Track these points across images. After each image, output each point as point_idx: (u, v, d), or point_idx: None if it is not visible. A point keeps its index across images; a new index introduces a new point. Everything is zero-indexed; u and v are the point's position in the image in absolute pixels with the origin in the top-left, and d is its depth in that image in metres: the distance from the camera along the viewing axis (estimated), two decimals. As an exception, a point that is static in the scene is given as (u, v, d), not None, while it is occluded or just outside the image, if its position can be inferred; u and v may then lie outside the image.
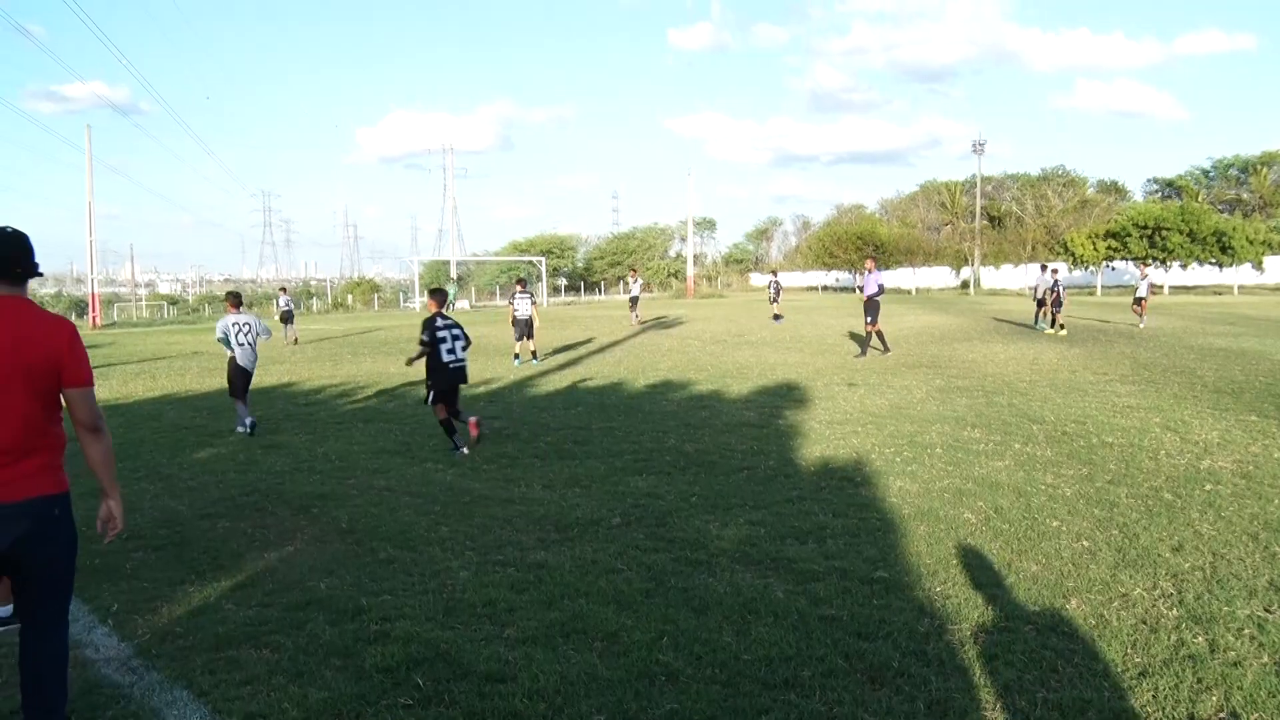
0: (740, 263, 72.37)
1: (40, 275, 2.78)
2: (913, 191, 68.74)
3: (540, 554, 4.55)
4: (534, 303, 14.61)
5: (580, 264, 67.42)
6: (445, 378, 7.29)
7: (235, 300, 8.80)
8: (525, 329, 14.23)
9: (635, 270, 27.83)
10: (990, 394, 9.82)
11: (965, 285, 52.37)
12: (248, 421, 8.30)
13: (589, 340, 19.56)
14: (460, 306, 45.17)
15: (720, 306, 36.41)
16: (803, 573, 4.16)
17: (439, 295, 7.63)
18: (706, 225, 74.36)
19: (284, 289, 25.82)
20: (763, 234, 77.88)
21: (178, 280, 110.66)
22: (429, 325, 7.34)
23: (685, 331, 21.61)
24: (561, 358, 15.53)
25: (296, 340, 21.16)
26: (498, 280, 59.19)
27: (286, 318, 21.94)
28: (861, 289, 14.58)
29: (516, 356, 14.58)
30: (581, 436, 7.82)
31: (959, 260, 55.57)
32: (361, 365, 14.93)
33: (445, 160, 66.48)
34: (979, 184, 56.18)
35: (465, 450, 7.16)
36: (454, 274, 52.99)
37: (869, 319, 14.45)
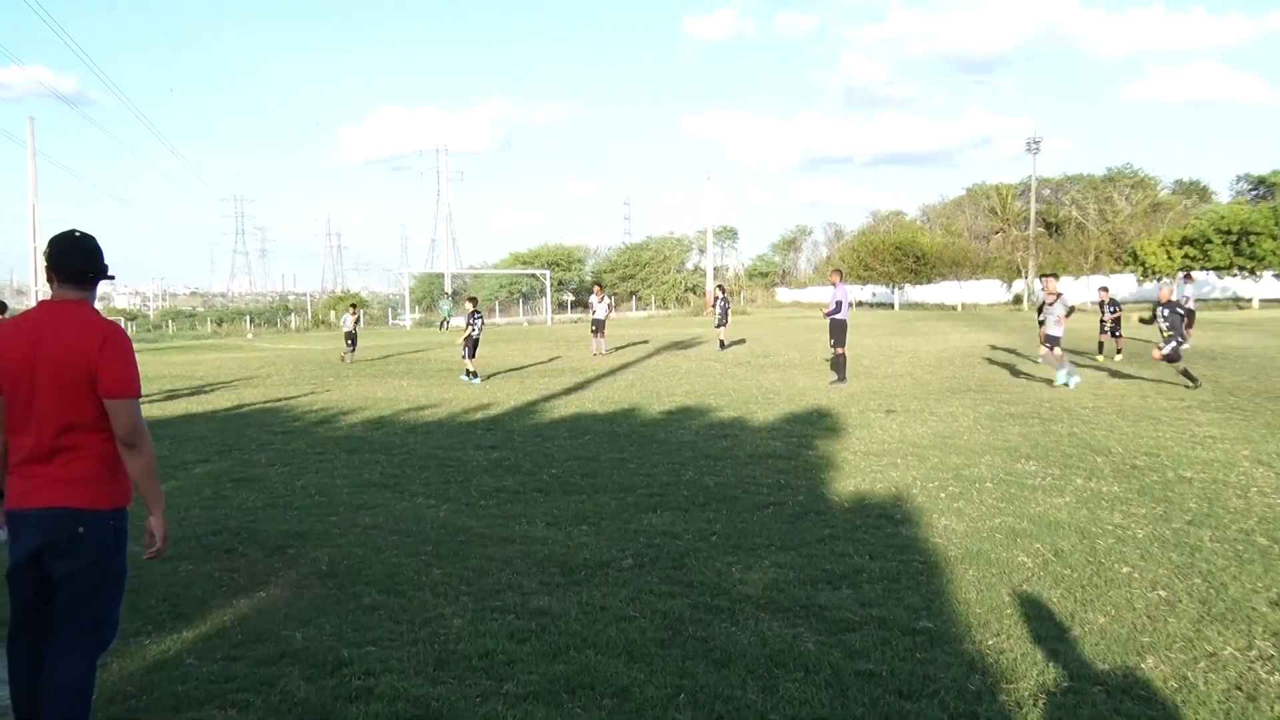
0: (765, 276, 72.61)
1: (111, 278, 2.99)
2: (958, 196, 68.89)
3: (543, 599, 4.54)
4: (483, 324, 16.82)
5: (588, 277, 67.87)
6: None
7: None
8: (474, 347, 16.17)
9: (600, 287, 24.76)
10: (1047, 421, 9.75)
11: (1018, 300, 52.22)
12: None
13: (594, 357, 19.60)
14: (457, 323, 45.47)
15: (743, 325, 36.46)
16: (836, 622, 4.13)
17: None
18: (728, 235, 74.80)
19: (355, 305, 26.10)
20: (790, 244, 78.15)
21: (137, 294, 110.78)
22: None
23: (704, 352, 21.63)
24: (567, 381, 15.56)
25: (346, 359, 21.33)
26: (497, 295, 59.68)
27: (350, 339, 21.72)
28: (828, 307, 14.53)
29: (474, 375, 15.62)
30: (590, 468, 7.83)
31: (1011, 272, 55.40)
32: (346, 389, 15.03)
33: (438, 162, 67.58)
34: (1034, 186, 55.98)
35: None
36: (448, 288, 53.53)
37: (833, 341, 14.35)
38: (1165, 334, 12.60)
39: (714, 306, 22.85)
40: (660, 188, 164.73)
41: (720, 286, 24.94)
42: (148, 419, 11.08)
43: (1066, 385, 12.46)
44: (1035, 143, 54.92)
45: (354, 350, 21.81)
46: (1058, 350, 13.02)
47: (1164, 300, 12.96)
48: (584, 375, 16.45)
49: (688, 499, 6.59)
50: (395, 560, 5.26)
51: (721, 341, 21.86)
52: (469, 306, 16.56)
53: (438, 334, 30.55)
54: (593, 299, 23.64)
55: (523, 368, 18.45)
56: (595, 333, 21.96)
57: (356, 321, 22.64)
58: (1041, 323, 13.30)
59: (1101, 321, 17.50)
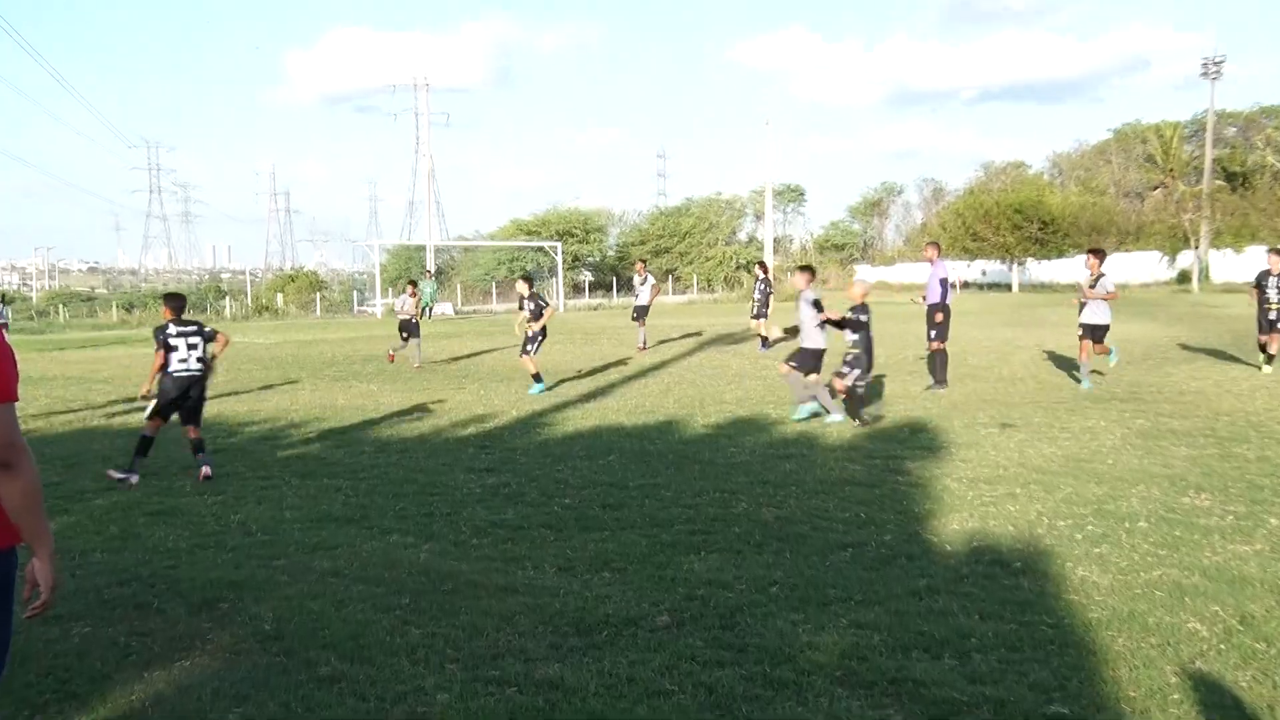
0: (841, 248, 72.31)
1: None
2: (1102, 141, 68.09)
3: (553, 668, 4.58)
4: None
5: (612, 251, 68.09)
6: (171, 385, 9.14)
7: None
8: (414, 330, 17.14)
9: (643, 263, 24.93)
10: (1226, 441, 9.63)
11: (1184, 277, 51.32)
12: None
13: (624, 360, 19.67)
14: (442, 311, 45.79)
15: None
16: (937, 702, 4.12)
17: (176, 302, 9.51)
18: (792, 195, 74.64)
19: (413, 284, 22.18)
20: (873, 207, 77.73)
21: (14, 268, 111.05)
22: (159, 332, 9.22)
23: (758, 347, 21.56)
24: (585, 385, 15.63)
25: (413, 361, 19.60)
26: (494, 274, 60.07)
27: (409, 329, 19.82)
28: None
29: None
30: (614, 498, 7.87)
31: (1175, 241, 54.39)
32: (298, 395, 15.25)
33: (417, 101, 68.21)
34: (1210, 125, 54.70)
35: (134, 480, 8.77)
36: (430, 265, 54.01)
37: (932, 334, 14.30)
38: None
39: (757, 291, 22.14)
40: (704, 135, 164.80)
41: (760, 263, 24.31)
42: (30, 436, 11.07)
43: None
44: (1215, 64, 53.39)
45: (418, 342, 19.76)
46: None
47: None
48: (607, 378, 16.50)
49: (740, 538, 6.60)
50: (361, 617, 5.32)
51: (764, 338, 21.45)
52: (524, 289, 15.48)
53: (424, 323, 30.67)
54: (635, 279, 23.77)
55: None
56: (637, 321, 22.06)
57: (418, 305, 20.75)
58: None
59: (1265, 307, 15.35)
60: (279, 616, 5.36)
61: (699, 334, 26.81)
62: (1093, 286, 13.62)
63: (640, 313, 22.24)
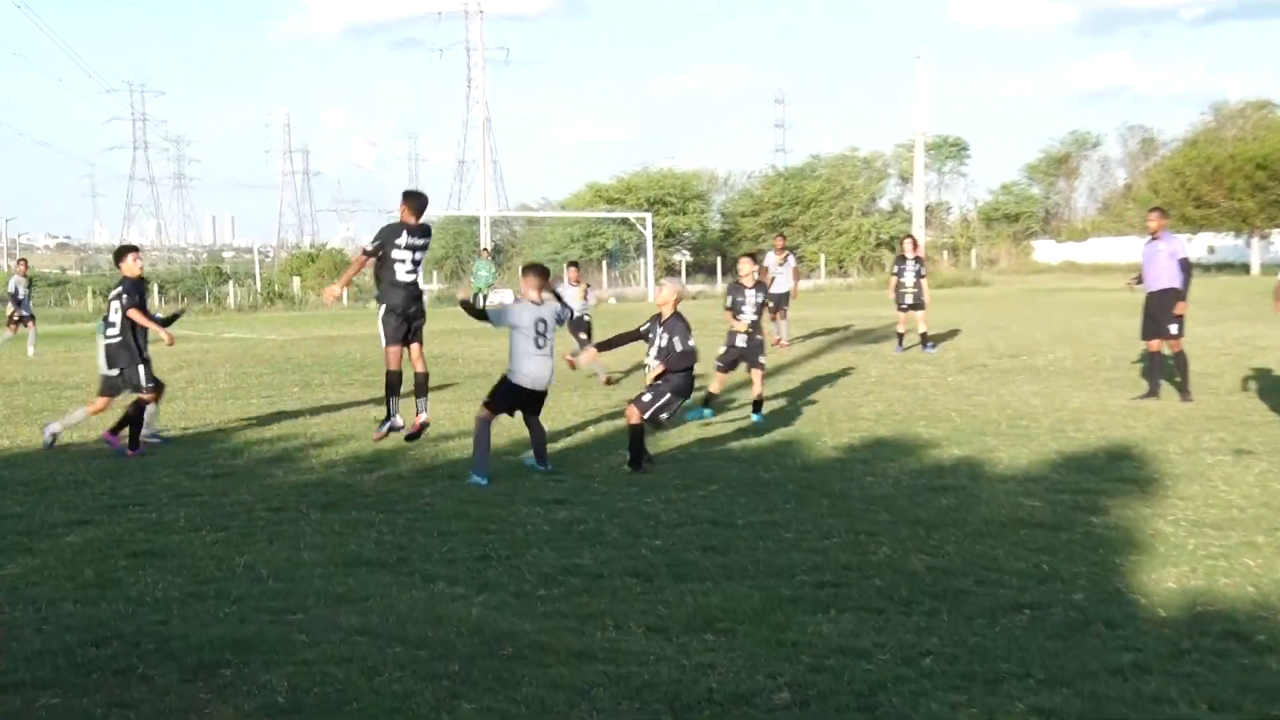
0: (1015, 219, 71.09)
1: None
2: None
3: (637, 759, 4.57)
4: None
5: (715, 225, 68.06)
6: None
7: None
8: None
9: (783, 238, 25.69)
10: None
11: None
12: None
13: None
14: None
15: (976, 303, 35.84)
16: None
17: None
18: (950, 151, 73.74)
19: (574, 264, 21.07)
20: (1059, 165, 76.28)
21: None
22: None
23: (906, 350, 21.40)
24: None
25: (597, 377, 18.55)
26: (565, 252, 60.49)
27: (579, 326, 18.67)
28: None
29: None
30: (718, 539, 7.88)
31: None
32: (319, 406, 15.51)
33: (468, 33, 69.41)
34: None
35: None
36: (486, 242, 54.70)
37: (1171, 327, 14.13)
38: None
39: (897, 272, 21.50)
40: (836, 75, 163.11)
41: (910, 237, 23.59)
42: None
43: None
44: None
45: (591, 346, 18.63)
46: None
47: None
48: (708, 385, 16.42)
49: (881, 593, 6.56)
50: (398, 688, 5.37)
51: (924, 337, 21.11)
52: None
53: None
54: (770, 258, 23.60)
55: (610, 372, 18.54)
56: (775, 312, 21.74)
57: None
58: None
59: None
60: (295, 686, 5.42)
61: (833, 330, 26.63)
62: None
63: (779, 302, 21.99)
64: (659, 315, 10.94)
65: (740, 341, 13.66)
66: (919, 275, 21.04)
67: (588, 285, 18.64)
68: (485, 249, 49.43)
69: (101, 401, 12.04)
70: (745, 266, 14.17)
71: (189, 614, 6.54)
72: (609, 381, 16.93)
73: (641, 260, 55.29)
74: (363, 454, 11.71)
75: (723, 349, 13.86)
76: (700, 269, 62.67)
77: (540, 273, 10.88)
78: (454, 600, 6.68)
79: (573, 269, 18.88)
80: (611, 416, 13.80)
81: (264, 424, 14.07)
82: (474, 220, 60.86)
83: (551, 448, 11.67)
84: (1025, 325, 25.90)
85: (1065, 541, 7.63)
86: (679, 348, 10.57)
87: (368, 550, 7.86)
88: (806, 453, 11.12)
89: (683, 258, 64.10)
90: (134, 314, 11.39)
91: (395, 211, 11.44)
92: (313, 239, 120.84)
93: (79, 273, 78.99)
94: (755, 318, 13.76)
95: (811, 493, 9.27)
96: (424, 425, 11.25)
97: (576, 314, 17.12)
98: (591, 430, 12.81)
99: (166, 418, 14.65)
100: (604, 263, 59.07)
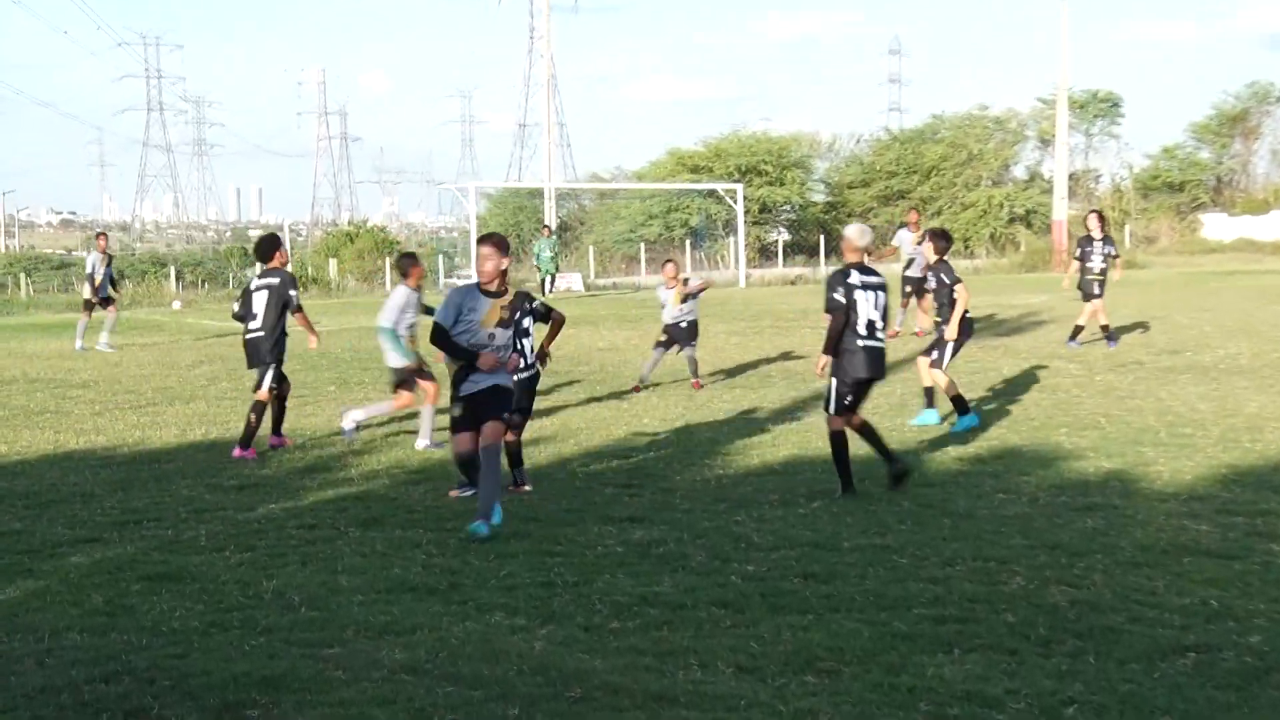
0: (1180, 189, 69.81)
1: None
2: None
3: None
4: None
5: (818, 197, 67.57)
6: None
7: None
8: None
9: (917, 213, 26.06)
10: None
11: None
12: None
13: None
14: (568, 286, 46.23)
15: (1132, 289, 35.19)
16: None
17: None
18: (1100, 109, 72.46)
19: (670, 263, 19.87)
20: (1235, 123, 74.72)
21: None
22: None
23: (1045, 341, 21.25)
24: (778, 394, 15.80)
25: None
26: (640, 231, 60.46)
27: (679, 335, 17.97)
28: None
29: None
30: (820, 565, 7.90)
31: None
32: (353, 404, 15.66)
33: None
34: None
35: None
36: (550, 218, 54.73)
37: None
38: None
39: (1081, 255, 21.29)
40: (962, 22, 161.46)
41: (1096, 213, 23.43)
42: None
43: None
44: None
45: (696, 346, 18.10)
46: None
47: None
48: (810, 386, 16.41)
49: (1015, 631, 6.55)
50: (451, 730, 5.46)
51: (1106, 330, 20.92)
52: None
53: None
54: (903, 235, 23.94)
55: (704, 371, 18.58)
56: (909, 297, 22.08)
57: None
58: None
59: None
60: (334, 728, 5.53)
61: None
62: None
63: (915, 286, 21.91)
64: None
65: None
66: (1109, 257, 20.77)
67: (685, 279, 18.13)
68: (548, 226, 48.82)
69: (406, 396, 12.93)
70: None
71: (210, 646, 6.62)
72: (698, 386, 16.80)
73: (731, 239, 54.84)
74: (408, 464, 11.81)
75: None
76: (799, 249, 62.15)
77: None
78: (514, 633, 6.74)
79: (669, 266, 18.27)
80: (695, 424, 13.87)
81: (295, 427, 14.10)
82: (536, 193, 60.84)
83: (628, 460, 11.74)
84: (1191, 315, 25.45)
85: (1239, 573, 7.53)
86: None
87: (414, 575, 7.94)
88: (924, 464, 11.11)
89: (779, 236, 63.66)
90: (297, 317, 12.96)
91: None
92: (351, 215, 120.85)
93: (85, 254, 79.84)
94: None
95: (930, 511, 9.26)
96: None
97: (672, 320, 17.16)
98: (674, 439, 12.86)
99: (177, 421, 14.87)
100: (687, 242, 58.63)
